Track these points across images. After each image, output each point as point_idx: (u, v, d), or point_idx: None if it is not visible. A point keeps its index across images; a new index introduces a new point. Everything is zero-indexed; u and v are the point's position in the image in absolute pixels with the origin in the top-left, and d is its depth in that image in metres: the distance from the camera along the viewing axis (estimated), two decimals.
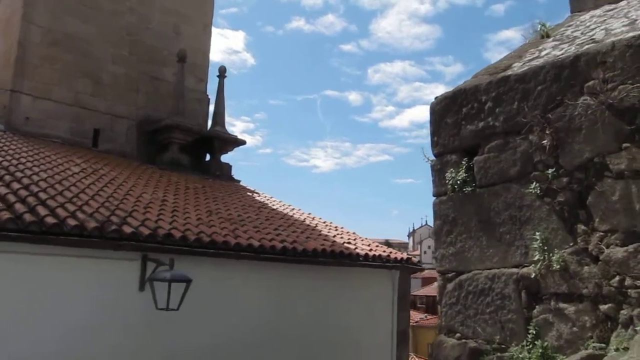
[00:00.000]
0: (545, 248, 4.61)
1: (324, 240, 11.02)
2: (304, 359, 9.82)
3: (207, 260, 8.96)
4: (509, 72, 5.26)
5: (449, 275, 5.58)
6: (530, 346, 4.57)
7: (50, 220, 7.28)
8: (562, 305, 4.44)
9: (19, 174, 8.94)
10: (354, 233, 12.45)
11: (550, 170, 4.66)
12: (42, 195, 8.15)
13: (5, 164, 9.37)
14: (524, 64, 5.57)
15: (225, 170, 14.38)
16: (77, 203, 8.35)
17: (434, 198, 5.85)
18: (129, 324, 8.12)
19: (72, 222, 7.46)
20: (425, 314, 43.26)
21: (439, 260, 5.71)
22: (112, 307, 7.98)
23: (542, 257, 4.60)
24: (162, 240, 8.39)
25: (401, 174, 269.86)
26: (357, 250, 11.01)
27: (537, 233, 4.70)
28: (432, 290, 42.61)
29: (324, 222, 12.77)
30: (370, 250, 11.30)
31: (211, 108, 14.96)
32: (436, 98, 5.97)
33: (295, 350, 9.75)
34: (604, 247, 4.19)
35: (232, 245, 9.13)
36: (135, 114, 13.77)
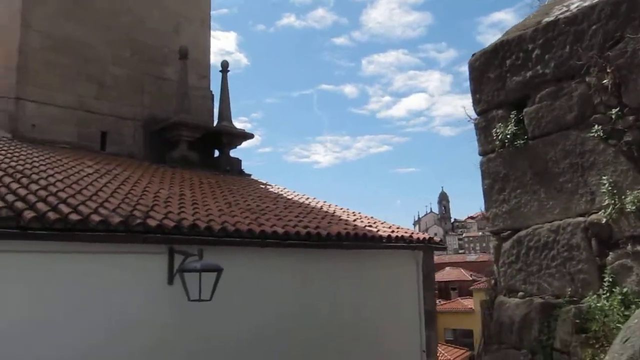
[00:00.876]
0: (615, 192, 4.33)
1: (346, 224, 10.73)
2: (335, 341, 9.52)
3: (233, 250, 8.62)
4: (556, 17, 4.97)
5: (505, 234, 5.29)
6: (608, 294, 4.29)
7: (74, 217, 6.93)
8: None
9: (34, 176, 8.58)
10: (372, 217, 12.15)
11: (613, 111, 4.38)
12: (62, 195, 7.79)
13: (20, 167, 9.00)
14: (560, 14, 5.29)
15: (235, 165, 14.04)
16: (97, 200, 8.01)
17: (481, 157, 5.56)
18: (161, 318, 7.79)
19: (96, 217, 7.11)
20: (439, 299, 43.05)
21: (491, 220, 5.42)
22: (142, 302, 7.65)
23: (612, 201, 4.32)
24: (188, 232, 8.05)
25: (402, 164, 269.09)
26: (380, 233, 10.72)
27: (604, 177, 4.42)
28: (444, 275, 42.32)
29: (341, 209, 12.46)
30: (392, 232, 11.00)
31: (215, 104, 14.64)
32: (474, 55, 5.68)
33: (325, 333, 9.45)
34: None
35: (257, 233, 8.81)
36: (140, 115, 13.41)
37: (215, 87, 15.01)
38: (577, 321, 4.24)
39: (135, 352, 7.35)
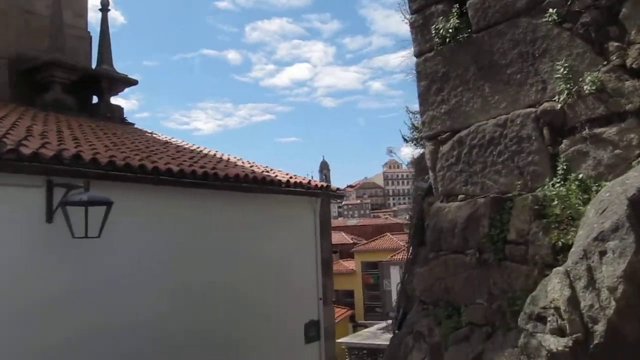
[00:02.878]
0: (570, 76, 3.98)
1: (243, 169, 9.89)
2: (233, 286, 8.73)
3: (122, 186, 7.45)
4: None
5: (443, 136, 4.82)
6: (562, 182, 3.94)
7: None
8: (599, 130, 3.84)
9: None
10: (267, 166, 11.40)
11: None
12: None
13: None
14: None
15: (116, 113, 12.53)
16: None
17: (416, 58, 5.04)
18: (38, 259, 6.53)
19: None
20: None
21: (427, 124, 4.93)
22: (14, 242, 6.35)
23: (568, 86, 3.96)
24: (70, 163, 6.81)
25: (285, 133, 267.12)
26: (279, 178, 10.02)
27: (558, 63, 4.06)
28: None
29: (235, 157, 11.58)
30: (291, 178, 10.35)
31: (94, 48, 12.97)
32: None
33: (223, 278, 8.63)
34: None
35: (150, 169, 7.72)
36: (5, 52, 11.48)
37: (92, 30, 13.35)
38: (537, 207, 3.86)
39: (6, 303, 6.09)
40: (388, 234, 36.71)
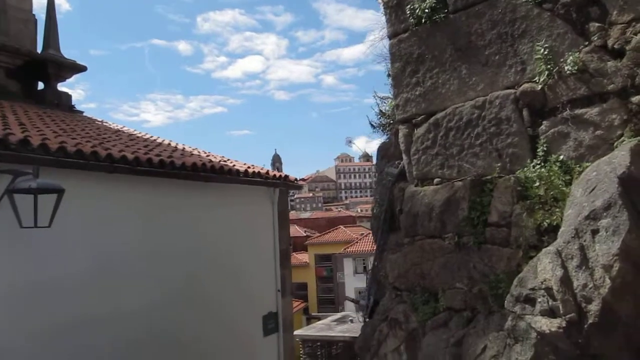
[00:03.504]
0: (551, 57, 3.89)
1: (199, 158, 9.51)
2: (191, 277, 8.37)
3: (73, 174, 6.94)
4: None
5: (418, 119, 4.67)
6: (542, 164, 3.85)
7: None
8: (580, 110, 3.76)
9: None
10: (223, 156, 11.04)
11: None
12: None
13: None
14: None
15: (64, 100, 11.82)
16: None
17: (390, 40, 4.86)
18: None
19: None
20: None
21: (401, 107, 4.76)
22: None
23: (548, 67, 3.87)
24: (17, 148, 6.31)
25: (237, 126, 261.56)
26: (236, 167, 9.69)
27: (538, 44, 3.96)
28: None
29: (190, 147, 11.16)
30: (248, 168, 10.03)
31: (39, 32, 12.21)
32: None
33: (181, 270, 8.26)
34: (632, 36, 3.55)
35: (103, 156, 7.26)
36: None
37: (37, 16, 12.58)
38: (519, 188, 3.75)
39: None
40: (341, 226, 36.73)
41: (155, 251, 7.97)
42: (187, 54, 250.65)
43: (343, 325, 28.62)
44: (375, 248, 7.61)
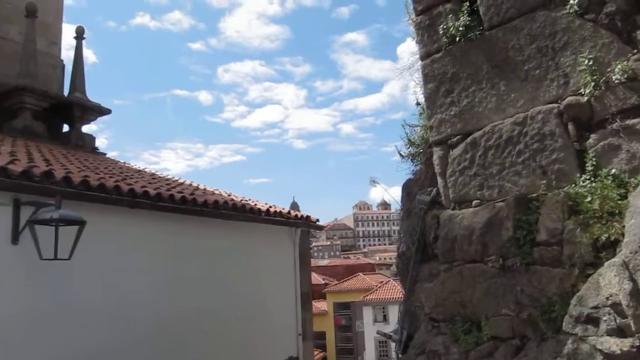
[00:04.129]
0: (596, 67, 3.67)
1: (221, 196, 9.34)
2: (209, 317, 8.04)
3: (96, 208, 6.80)
4: None
5: (453, 140, 4.44)
6: (592, 179, 3.58)
7: None
8: (631, 121, 3.51)
9: None
10: (244, 196, 10.86)
11: None
12: None
13: None
14: None
15: (87, 142, 11.85)
16: None
17: (422, 61, 4.70)
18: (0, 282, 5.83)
19: None
20: None
21: (435, 129, 4.55)
22: None
23: (594, 78, 3.65)
24: (40, 180, 6.20)
25: (255, 174, 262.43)
26: (258, 206, 9.50)
27: (582, 55, 3.75)
28: None
29: (212, 188, 11.02)
30: (270, 207, 9.83)
31: (67, 77, 12.37)
32: None
33: (200, 308, 7.95)
34: None
35: (126, 191, 7.13)
36: None
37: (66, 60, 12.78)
38: (571, 203, 3.46)
39: None
40: (360, 274, 35.97)
41: (175, 288, 7.70)
42: (208, 103, 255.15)
43: None
44: (403, 284, 7.26)
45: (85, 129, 12.20)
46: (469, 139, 4.30)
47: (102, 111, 12.30)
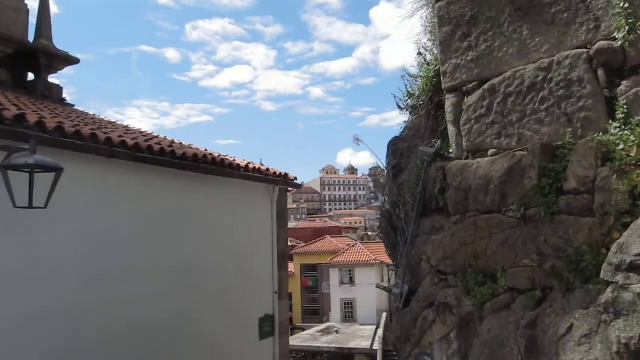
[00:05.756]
0: (631, 11, 3.43)
1: (198, 150, 8.91)
2: (185, 270, 7.71)
3: (71, 157, 6.31)
4: None
5: (469, 86, 4.16)
6: (622, 126, 3.37)
7: None
8: None
9: None
10: (220, 153, 10.42)
11: None
12: None
13: None
14: None
15: (55, 92, 11.08)
16: None
17: (437, 3, 4.37)
18: None
19: None
20: None
21: (449, 74, 4.26)
22: None
23: (629, 21, 3.41)
24: (12, 124, 5.67)
25: (223, 135, 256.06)
26: (237, 162, 9.11)
27: None
28: None
29: (188, 143, 10.53)
30: (249, 163, 9.46)
31: (32, 23, 11.49)
32: None
33: (174, 260, 7.60)
34: None
35: (103, 140, 6.63)
36: None
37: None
38: (604, 150, 3.25)
39: None
40: (328, 236, 35.84)
41: (152, 241, 7.32)
42: (175, 61, 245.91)
43: (328, 336, 28.00)
44: (386, 243, 7.07)
45: (52, 79, 11.44)
46: (486, 86, 4.03)
47: (70, 60, 11.49)
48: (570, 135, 3.55)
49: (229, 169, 8.70)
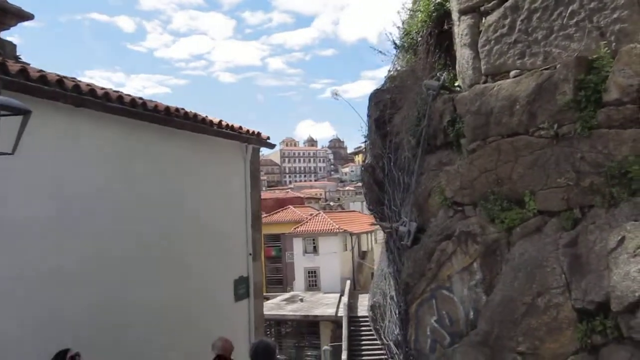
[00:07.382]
0: None
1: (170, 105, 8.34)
2: (155, 232, 7.19)
3: (37, 103, 5.64)
4: None
5: (488, 5, 3.86)
6: None
7: None
8: None
9: None
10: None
11: None
12: None
13: None
14: None
15: (9, 50, 10.18)
16: None
17: None
18: None
19: None
20: None
21: None
22: None
23: None
24: None
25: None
26: (210, 118, 8.60)
27: None
28: None
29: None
30: (222, 120, 8.95)
31: None
32: None
33: (145, 221, 7.05)
34: None
35: (70, 87, 6.03)
36: None
37: None
38: None
39: None
40: (290, 206, 35.44)
41: (122, 199, 6.74)
42: (129, 30, 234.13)
43: (293, 304, 27.78)
44: (368, 197, 6.83)
45: (4, 36, 10.52)
46: (508, 3, 3.74)
47: (23, 15, 10.50)
48: (606, 49, 3.30)
49: (202, 124, 8.18)
